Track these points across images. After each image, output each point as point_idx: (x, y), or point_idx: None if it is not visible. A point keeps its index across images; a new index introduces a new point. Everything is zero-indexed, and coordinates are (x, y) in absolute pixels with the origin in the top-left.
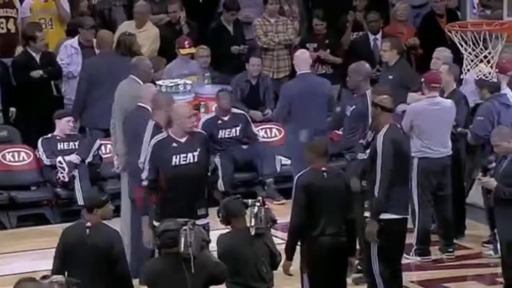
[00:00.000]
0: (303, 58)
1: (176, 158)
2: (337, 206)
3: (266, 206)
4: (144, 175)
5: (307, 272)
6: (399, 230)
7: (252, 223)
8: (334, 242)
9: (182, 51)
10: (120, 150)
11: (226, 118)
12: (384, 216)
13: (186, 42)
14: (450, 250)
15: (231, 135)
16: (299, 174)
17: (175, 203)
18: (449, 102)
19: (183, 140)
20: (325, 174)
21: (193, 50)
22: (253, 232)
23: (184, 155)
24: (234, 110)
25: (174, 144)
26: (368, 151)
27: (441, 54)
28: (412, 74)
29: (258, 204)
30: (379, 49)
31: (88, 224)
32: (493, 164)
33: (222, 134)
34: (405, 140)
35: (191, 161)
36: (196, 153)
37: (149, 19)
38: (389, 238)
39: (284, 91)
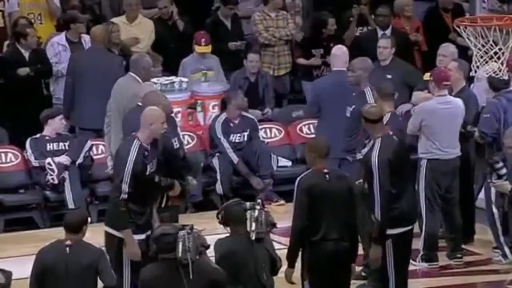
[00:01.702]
0: (338, 55)
1: (149, 167)
2: (339, 210)
3: (266, 209)
4: (125, 189)
5: (309, 279)
6: (408, 239)
7: (253, 228)
8: (336, 248)
9: (198, 49)
10: (114, 151)
11: (236, 122)
12: (393, 231)
13: (203, 40)
14: (459, 256)
15: (240, 140)
16: (301, 176)
17: (144, 212)
18: (459, 101)
19: (149, 147)
20: (327, 176)
21: (209, 49)
22: (253, 237)
23: (152, 163)
24: (244, 113)
25: (146, 153)
26: (363, 150)
27: (447, 50)
28: (413, 72)
29: (258, 207)
30: None
31: (68, 242)
32: (500, 164)
33: (232, 138)
34: (402, 148)
35: (155, 167)
36: (156, 159)
37: (141, 13)
38: (401, 250)
39: (313, 88)
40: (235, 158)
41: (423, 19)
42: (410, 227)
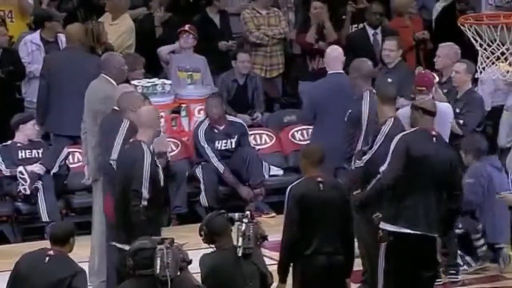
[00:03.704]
0: (334, 56)
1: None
2: (334, 222)
3: (255, 221)
4: (146, 195)
5: None
6: (410, 247)
7: (240, 243)
8: (330, 262)
9: (180, 30)
10: (90, 159)
11: (221, 128)
12: (391, 227)
13: (187, 26)
14: (452, 272)
15: (227, 147)
16: (292, 184)
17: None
18: (444, 106)
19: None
20: (321, 185)
21: (192, 32)
22: (240, 253)
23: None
24: (231, 118)
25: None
26: (364, 157)
27: (442, 51)
28: (411, 80)
29: (246, 220)
30: (379, 45)
31: (51, 252)
32: (479, 235)
33: (218, 145)
34: (434, 151)
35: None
36: None
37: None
38: (394, 255)
39: (310, 92)
40: (220, 167)
41: (436, 18)
42: (412, 231)
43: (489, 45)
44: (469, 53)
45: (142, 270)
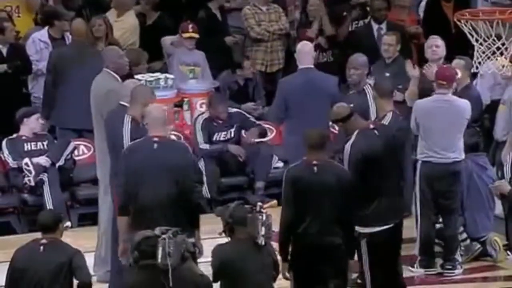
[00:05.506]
0: (305, 51)
1: None
2: (326, 204)
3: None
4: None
5: (292, 270)
6: (384, 239)
7: (262, 232)
8: (319, 242)
9: (184, 35)
10: (99, 154)
11: (221, 121)
12: (365, 230)
13: (190, 26)
14: (448, 267)
15: (226, 137)
16: (289, 167)
17: None
18: (463, 102)
19: None
20: (315, 168)
21: (196, 35)
22: (262, 242)
23: None
24: (228, 110)
25: None
26: None
27: (439, 41)
28: (406, 76)
29: (264, 211)
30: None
31: (43, 241)
32: (461, 229)
33: (217, 136)
34: (381, 144)
35: None
36: None
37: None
38: (376, 251)
39: (280, 86)
40: (206, 146)
41: (423, 11)
42: (386, 227)
43: (485, 40)
44: (455, 43)
45: (146, 260)
